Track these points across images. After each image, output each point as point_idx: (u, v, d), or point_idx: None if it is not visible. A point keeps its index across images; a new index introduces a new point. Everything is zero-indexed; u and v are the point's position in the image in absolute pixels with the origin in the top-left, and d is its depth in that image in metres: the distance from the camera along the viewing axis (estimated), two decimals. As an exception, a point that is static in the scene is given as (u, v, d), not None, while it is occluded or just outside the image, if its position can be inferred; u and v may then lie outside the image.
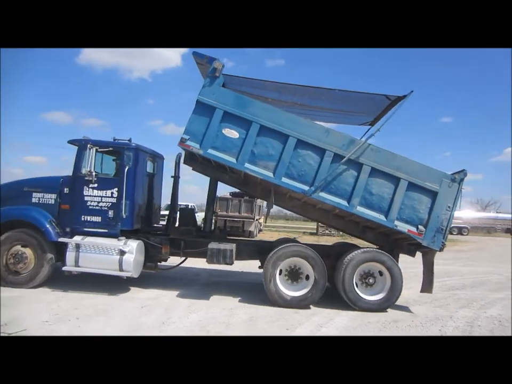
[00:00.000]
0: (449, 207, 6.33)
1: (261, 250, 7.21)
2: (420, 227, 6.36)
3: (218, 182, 7.75)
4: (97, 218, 6.84)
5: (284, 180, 6.52)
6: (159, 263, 7.52)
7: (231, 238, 8.03)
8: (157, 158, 8.07)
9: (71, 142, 7.15)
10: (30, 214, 6.76)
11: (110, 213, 6.82)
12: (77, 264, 6.62)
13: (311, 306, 6.53)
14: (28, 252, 6.68)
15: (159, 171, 8.25)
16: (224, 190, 27.03)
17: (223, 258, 6.62)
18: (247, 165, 6.55)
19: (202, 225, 7.85)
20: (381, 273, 6.60)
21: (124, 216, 6.81)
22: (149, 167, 7.64)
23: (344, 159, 6.36)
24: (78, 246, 6.64)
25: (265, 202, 22.47)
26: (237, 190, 19.72)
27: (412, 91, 6.50)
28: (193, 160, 7.37)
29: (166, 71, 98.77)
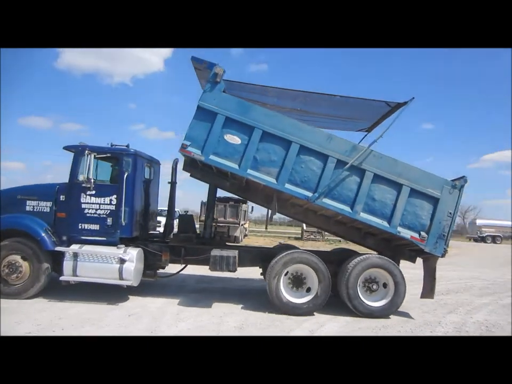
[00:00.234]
0: (450, 213, 6.41)
1: (263, 257, 7.15)
2: (422, 233, 6.41)
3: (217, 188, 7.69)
4: (95, 226, 6.65)
5: (287, 186, 6.48)
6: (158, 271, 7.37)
7: (231, 244, 7.95)
8: (154, 164, 7.93)
9: (67, 148, 6.95)
10: (24, 223, 6.53)
11: (109, 221, 6.65)
12: (75, 274, 6.42)
13: None
14: (23, 261, 6.43)
15: (156, 177, 8.11)
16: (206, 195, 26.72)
17: (226, 266, 6.53)
18: (249, 171, 6.48)
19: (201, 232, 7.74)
20: (385, 284, 6.61)
21: (123, 224, 6.64)
22: (146, 173, 7.49)
23: (347, 165, 6.37)
24: (75, 255, 6.44)
25: (250, 208, 22.75)
26: (222, 195, 19.83)
27: (413, 98, 6.57)
28: (193, 166, 7.27)
29: (148, 75, 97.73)
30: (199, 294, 7.72)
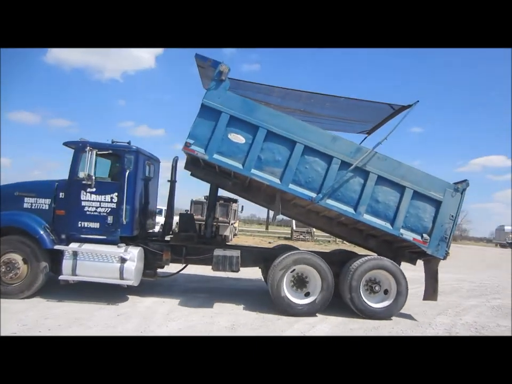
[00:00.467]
0: (452, 216, 6.48)
1: (266, 257, 7.12)
2: (425, 235, 6.47)
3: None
4: (95, 225, 6.51)
5: (291, 186, 6.46)
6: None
7: (233, 244, 7.89)
8: (154, 161, 7.81)
9: (67, 144, 6.80)
10: (22, 220, 6.35)
11: (109, 219, 6.52)
12: (74, 273, 6.28)
13: None
14: (20, 260, 6.26)
15: (156, 175, 7.99)
16: (198, 193, 26.74)
17: (229, 266, 6.47)
18: (253, 170, 6.44)
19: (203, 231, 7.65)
20: (387, 287, 6.63)
21: (124, 222, 6.52)
22: (147, 171, 7.37)
23: (352, 167, 6.38)
24: (75, 254, 6.30)
25: (240, 207, 22.57)
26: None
27: (418, 101, 6.62)
28: (194, 165, 7.19)
29: (138, 72, 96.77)
30: (190, 293, 7.61)
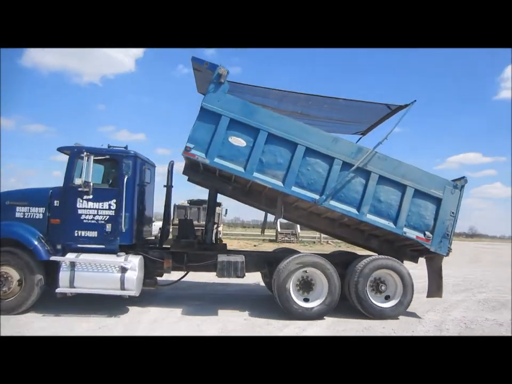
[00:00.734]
0: (452, 213, 6.59)
1: (268, 261, 7.02)
2: (427, 233, 6.54)
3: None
4: (93, 233, 6.25)
5: (294, 189, 6.42)
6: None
7: (235, 249, 7.76)
8: (150, 166, 7.61)
9: (61, 149, 6.54)
10: (15, 231, 6.02)
11: (108, 227, 6.27)
12: (72, 285, 5.97)
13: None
14: (14, 273, 5.92)
15: (152, 180, 7.78)
16: (180, 197, 26.40)
17: (234, 271, 6.34)
18: (255, 174, 6.37)
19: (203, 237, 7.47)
20: (393, 285, 6.64)
21: (123, 230, 6.28)
22: (145, 176, 7.16)
23: (354, 167, 6.40)
24: (72, 265, 6.00)
25: (224, 210, 22.51)
26: (195, 198, 19.47)
27: (415, 100, 6.72)
28: (193, 170, 7.07)
29: (118, 76, 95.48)
30: (175, 301, 7.36)
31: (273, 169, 6.42)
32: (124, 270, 6.08)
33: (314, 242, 26.87)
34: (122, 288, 6.06)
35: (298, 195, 6.45)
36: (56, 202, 6.26)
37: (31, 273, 5.96)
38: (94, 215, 6.27)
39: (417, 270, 7.65)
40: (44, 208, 6.25)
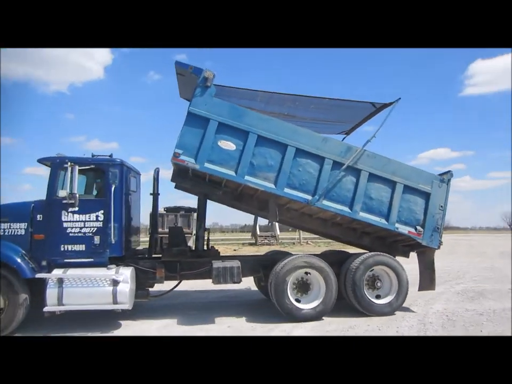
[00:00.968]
0: (441, 206, 6.74)
1: (263, 265, 6.92)
2: (418, 228, 6.65)
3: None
4: (81, 247, 5.95)
5: (286, 190, 6.38)
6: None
7: (228, 255, 7.62)
8: (136, 174, 7.36)
9: (42, 160, 6.22)
10: None
11: (96, 239, 5.99)
12: (60, 303, 5.63)
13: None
14: (-4, 295, 5.55)
15: (138, 188, 7.53)
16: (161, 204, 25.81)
17: (230, 277, 6.20)
18: (247, 177, 6.29)
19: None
20: (388, 281, 6.70)
21: (113, 242, 6.02)
22: (132, 185, 6.92)
23: (344, 166, 6.44)
24: (60, 281, 5.69)
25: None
26: (172, 205, 19.15)
27: (400, 98, 6.84)
28: (181, 176, 6.90)
29: (86, 84, 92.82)
30: (156, 311, 7.13)
31: (264, 172, 6.36)
32: (115, 283, 5.81)
33: (294, 243, 27.00)
34: (115, 302, 5.79)
35: (291, 196, 6.41)
36: (39, 217, 5.92)
37: (14, 293, 5.60)
38: (81, 228, 5.98)
39: (407, 264, 7.73)
40: (26, 224, 5.90)
